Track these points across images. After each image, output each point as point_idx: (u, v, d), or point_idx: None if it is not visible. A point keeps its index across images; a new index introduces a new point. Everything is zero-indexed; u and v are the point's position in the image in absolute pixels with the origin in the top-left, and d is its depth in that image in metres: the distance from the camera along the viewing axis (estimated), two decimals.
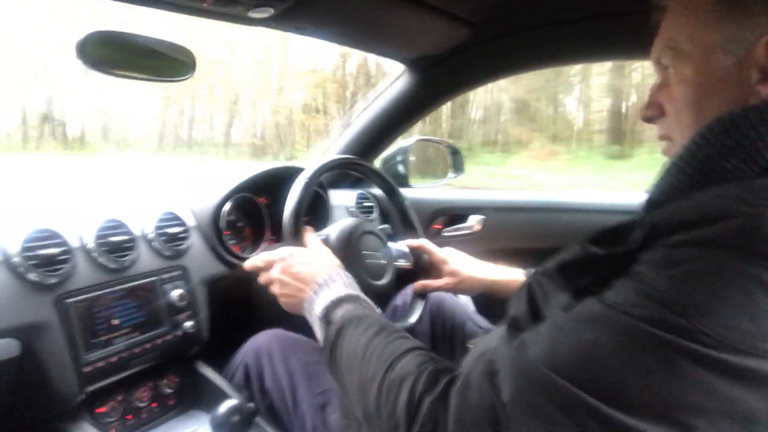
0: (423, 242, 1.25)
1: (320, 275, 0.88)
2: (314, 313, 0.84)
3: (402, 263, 1.26)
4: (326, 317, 0.82)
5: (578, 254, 0.62)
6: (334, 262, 0.94)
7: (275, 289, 0.93)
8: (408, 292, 1.34)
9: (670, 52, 0.65)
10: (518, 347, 0.56)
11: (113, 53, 0.89)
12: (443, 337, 1.27)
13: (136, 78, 0.96)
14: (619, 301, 0.50)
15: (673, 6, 0.66)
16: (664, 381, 0.45)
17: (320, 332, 0.82)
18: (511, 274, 1.18)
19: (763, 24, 0.57)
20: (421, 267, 1.27)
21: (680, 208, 0.52)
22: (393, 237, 1.32)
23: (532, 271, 1.15)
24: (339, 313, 0.81)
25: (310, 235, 1.01)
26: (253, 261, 1.00)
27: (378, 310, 0.86)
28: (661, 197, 0.63)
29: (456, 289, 1.22)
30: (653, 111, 0.70)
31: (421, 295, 1.23)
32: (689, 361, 0.45)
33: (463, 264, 1.21)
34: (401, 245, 1.28)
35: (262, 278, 0.97)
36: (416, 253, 1.26)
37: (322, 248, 0.97)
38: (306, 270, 0.90)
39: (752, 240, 0.46)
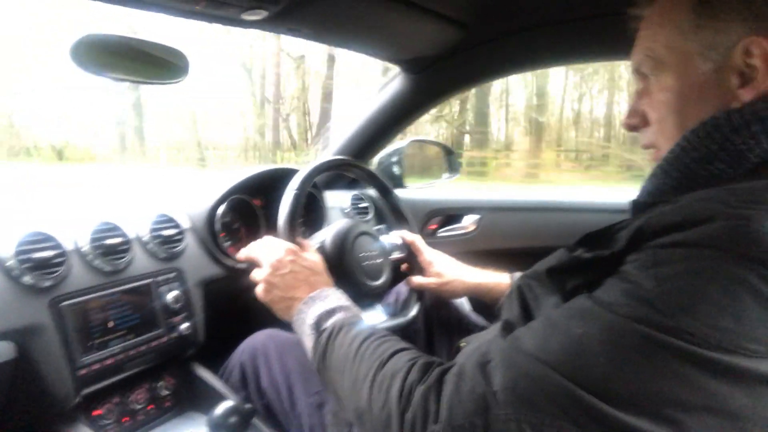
0: (416, 239, 1.28)
1: (312, 289, 0.88)
2: (306, 322, 0.84)
3: (397, 255, 1.29)
4: (317, 325, 0.82)
5: (565, 258, 0.63)
6: (327, 278, 0.95)
7: (260, 291, 0.93)
8: (400, 290, 1.36)
9: (649, 62, 0.66)
10: (511, 339, 0.57)
11: (107, 56, 0.89)
12: (439, 335, 1.28)
13: (129, 80, 0.97)
14: (607, 299, 0.51)
15: (648, 15, 0.67)
16: (650, 376, 0.46)
17: (310, 340, 0.83)
18: (496, 278, 1.21)
19: (738, 29, 0.58)
20: (415, 262, 1.29)
21: (665, 212, 0.53)
22: (386, 232, 1.33)
23: (519, 274, 1.18)
24: (330, 321, 0.81)
25: (307, 244, 1.01)
26: (247, 253, 1.00)
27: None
28: (647, 199, 0.64)
29: (441, 290, 1.23)
30: (636, 120, 0.70)
31: (418, 293, 1.25)
32: (675, 357, 0.45)
33: (448, 267, 1.24)
34: (394, 237, 1.30)
35: (253, 274, 0.97)
36: (410, 249, 1.29)
37: (317, 262, 0.97)
38: (298, 281, 0.90)
39: (736, 242, 0.47)
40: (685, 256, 0.48)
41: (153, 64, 0.96)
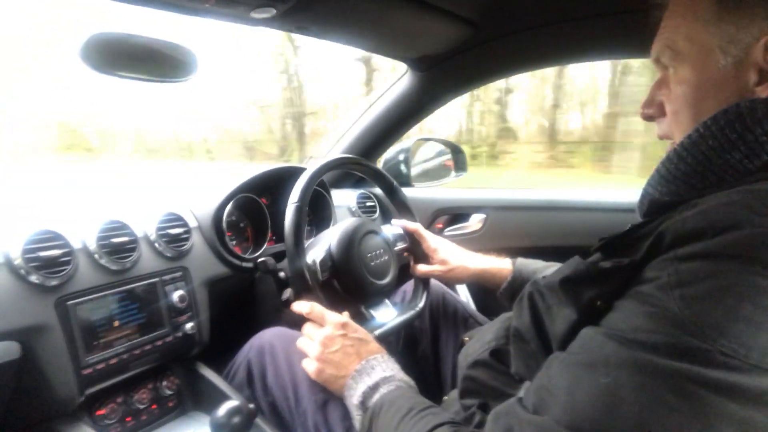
0: (418, 227, 1.29)
1: (359, 361, 0.89)
2: (353, 403, 0.85)
3: (400, 246, 1.31)
4: (363, 405, 0.83)
5: (581, 268, 0.61)
6: (376, 345, 0.95)
7: (313, 371, 0.93)
8: (406, 289, 1.37)
9: (669, 52, 0.65)
10: (535, 407, 0.54)
11: (116, 55, 0.88)
12: (445, 332, 1.29)
13: (138, 79, 0.95)
14: (629, 327, 0.49)
15: (671, 5, 0.66)
16: (689, 417, 0.44)
17: (357, 421, 0.83)
18: (499, 264, 1.21)
19: (761, 25, 0.57)
20: (419, 250, 1.30)
21: (686, 218, 0.51)
22: (388, 220, 1.34)
23: (521, 259, 1.18)
24: (373, 399, 0.82)
25: (335, 315, 1.00)
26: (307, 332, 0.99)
27: (410, 381, 0.87)
28: (659, 189, 0.62)
29: (446, 277, 1.25)
30: (653, 110, 0.69)
31: (423, 281, 1.27)
32: (712, 392, 0.43)
33: (452, 253, 1.26)
34: (396, 228, 1.31)
35: (304, 346, 0.98)
36: (413, 238, 1.30)
37: (364, 329, 0.98)
38: (349, 355, 0.91)
39: (763, 251, 0.45)
40: (711, 272, 0.46)
41: (162, 62, 0.95)
